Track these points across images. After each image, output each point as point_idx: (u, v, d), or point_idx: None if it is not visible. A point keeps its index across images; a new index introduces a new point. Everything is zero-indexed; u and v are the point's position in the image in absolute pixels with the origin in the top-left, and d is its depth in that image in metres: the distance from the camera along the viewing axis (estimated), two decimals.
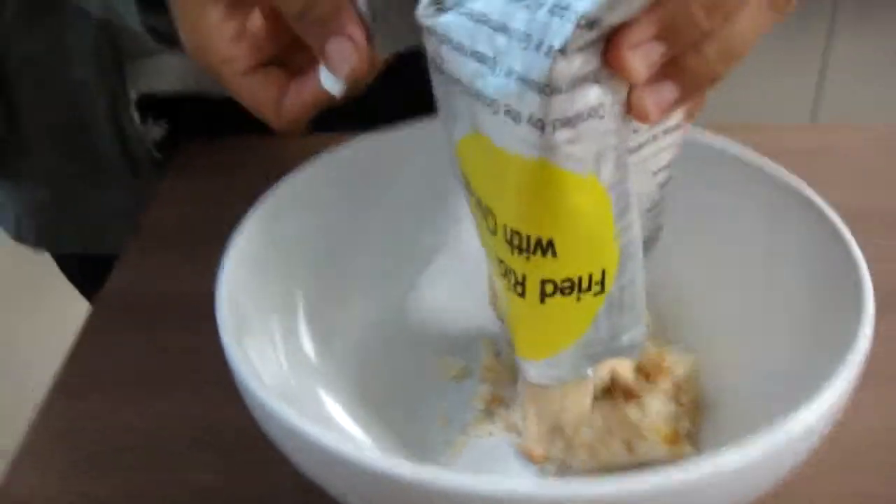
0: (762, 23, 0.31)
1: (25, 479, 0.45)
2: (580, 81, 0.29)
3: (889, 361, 0.43)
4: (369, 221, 0.49)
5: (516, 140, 0.31)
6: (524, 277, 0.35)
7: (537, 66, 0.29)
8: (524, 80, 0.29)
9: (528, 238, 0.33)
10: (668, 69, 0.31)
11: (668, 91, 0.31)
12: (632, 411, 0.40)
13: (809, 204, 0.41)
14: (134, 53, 0.65)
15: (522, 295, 0.35)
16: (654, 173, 0.36)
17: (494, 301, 0.44)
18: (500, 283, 0.37)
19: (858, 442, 0.44)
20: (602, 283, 0.35)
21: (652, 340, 0.43)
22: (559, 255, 0.33)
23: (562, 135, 0.30)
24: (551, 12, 0.29)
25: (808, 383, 0.34)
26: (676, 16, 0.29)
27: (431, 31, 0.33)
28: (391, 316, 0.49)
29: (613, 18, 0.28)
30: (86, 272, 0.81)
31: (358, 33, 0.41)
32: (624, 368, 0.41)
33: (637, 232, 0.35)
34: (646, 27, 0.29)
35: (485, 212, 0.35)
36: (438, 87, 0.35)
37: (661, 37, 0.30)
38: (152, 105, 0.69)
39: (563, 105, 0.29)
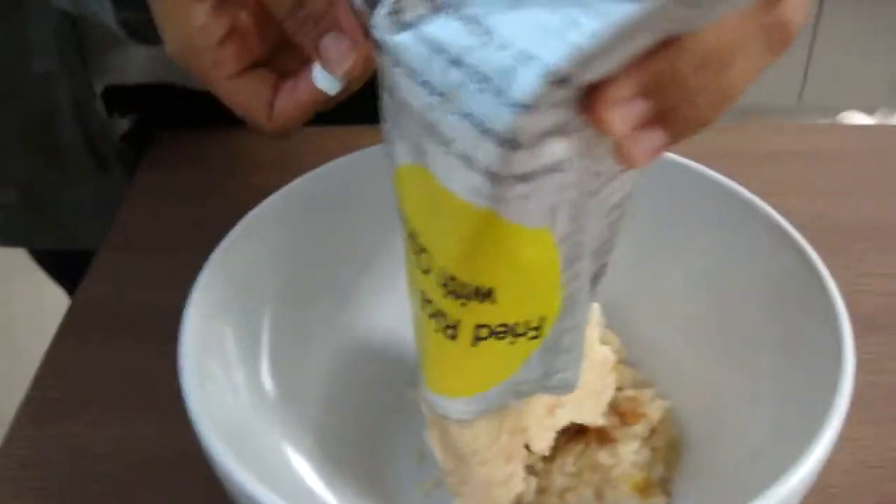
0: (759, 66, 0.29)
1: None
2: (545, 136, 0.27)
3: (868, 389, 0.43)
4: (344, 246, 0.48)
5: (465, 185, 0.28)
6: (457, 322, 0.33)
7: (498, 117, 0.26)
8: (482, 128, 0.27)
9: (466, 285, 0.31)
10: (656, 115, 0.28)
11: (657, 137, 0.28)
12: (604, 457, 0.40)
13: (789, 241, 0.41)
14: (98, 45, 0.63)
15: (454, 338, 0.33)
16: (607, 213, 0.33)
17: None
18: (423, 321, 0.34)
19: (833, 479, 0.44)
20: (539, 328, 0.33)
21: (629, 383, 0.42)
22: (497, 302, 0.31)
23: (517, 190, 0.28)
24: (514, 59, 0.26)
25: (787, 431, 0.35)
26: (662, 74, 0.27)
27: (384, 48, 0.30)
28: (360, 346, 0.48)
29: (588, 76, 0.26)
30: (62, 265, 0.80)
31: (354, 27, 0.39)
32: (593, 413, 0.40)
33: (585, 278, 0.33)
34: (628, 84, 0.27)
35: (418, 248, 0.33)
36: (387, 107, 0.32)
37: (645, 93, 0.27)
38: (118, 98, 0.67)
39: (523, 161, 0.27)
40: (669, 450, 0.41)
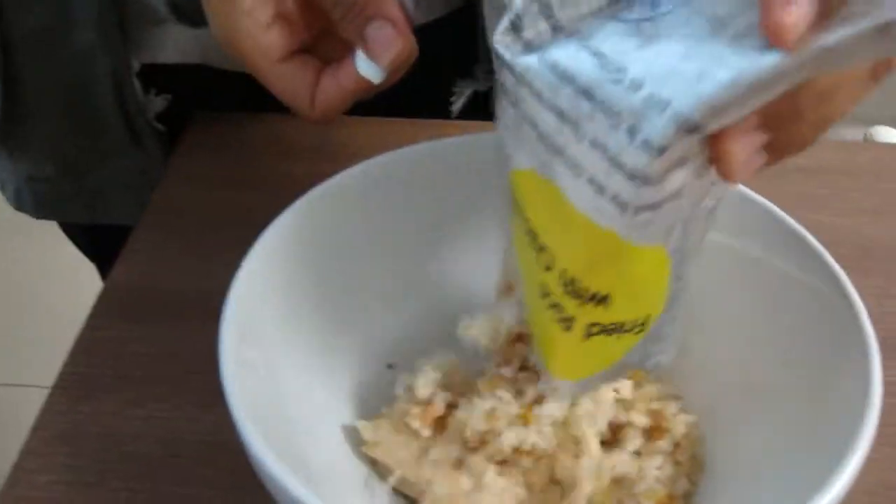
0: (863, 94, 0.31)
1: (26, 482, 0.45)
2: (671, 169, 0.29)
3: (892, 411, 0.42)
4: (388, 240, 0.49)
5: (593, 207, 0.30)
6: (573, 318, 0.35)
7: (632, 156, 0.28)
8: (614, 161, 0.29)
9: (587, 289, 0.33)
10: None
11: (759, 158, 0.30)
12: (628, 470, 0.40)
13: (818, 260, 0.42)
14: (139, 22, 0.64)
15: (568, 329, 0.36)
16: (707, 216, 0.34)
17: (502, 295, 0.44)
18: (542, 308, 0.36)
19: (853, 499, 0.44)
20: (644, 324, 0.36)
21: (655, 396, 0.43)
22: (611, 307, 0.34)
23: (642, 217, 0.30)
24: (646, 102, 0.27)
25: (812, 453, 0.36)
26: (784, 110, 0.29)
27: (509, 67, 0.31)
28: (400, 338, 0.49)
29: (718, 124, 0.27)
30: (93, 240, 0.81)
31: (399, 16, 0.40)
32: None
33: (689, 279, 0.36)
34: (751, 121, 0.28)
35: (538, 246, 0.35)
36: (505, 114, 0.33)
37: (764, 126, 0.29)
38: (155, 78, 0.68)
39: (651, 193, 0.29)
40: (693, 464, 0.42)
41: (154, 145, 0.69)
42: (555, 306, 0.35)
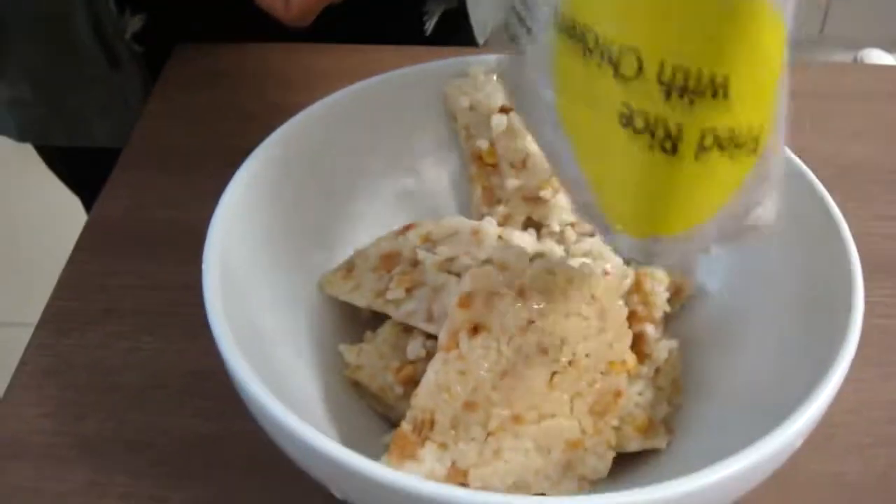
0: None
1: (14, 416, 0.46)
2: None
3: (874, 332, 0.43)
4: (370, 164, 0.50)
5: None
6: (679, 129, 0.30)
7: None
8: None
9: (699, 75, 0.29)
10: None
11: None
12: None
13: (804, 181, 0.42)
14: None
15: (673, 151, 0.31)
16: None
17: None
18: (622, 145, 0.32)
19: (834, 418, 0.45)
20: (758, 140, 0.32)
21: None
22: (730, 97, 0.30)
23: None
24: None
25: (794, 371, 0.36)
26: None
27: None
28: None
29: None
30: (71, 168, 0.81)
31: None
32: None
33: (785, 91, 0.32)
34: None
35: (615, 54, 0.30)
36: None
37: None
38: None
39: None
40: (674, 388, 0.42)
41: (132, 68, 0.69)
42: (649, 127, 0.31)
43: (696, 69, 0.29)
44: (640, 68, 0.30)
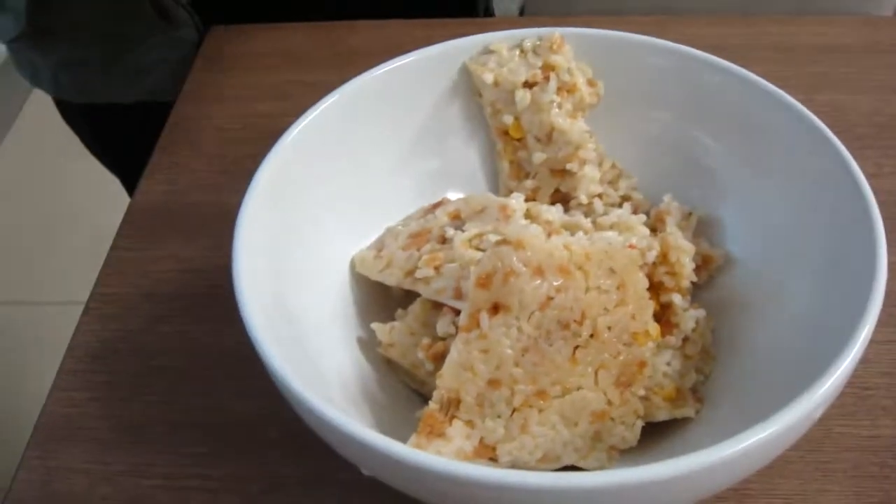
0: None
1: (65, 401, 0.47)
2: None
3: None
4: (405, 143, 0.50)
5: None
6: None
7: None
8: None
9: None
10: None
11: None
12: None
13: (826, 143, 0.41)
14: None
15: None
16: None
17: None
18: None
19: (869, 381, 0.45)
20: None
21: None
22: None
23: None
24: None
25: (821, 331, 0.36)
26: None
27: None
28: None
29: None
30: (93, 125, 0.84)
31: None
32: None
33: None
34: None
35: None
36: None
37: None
38: None
39: None
40: (703, 356, 0.42)
41: (186, 29, 0.72)
42: None
43: None
44: None
